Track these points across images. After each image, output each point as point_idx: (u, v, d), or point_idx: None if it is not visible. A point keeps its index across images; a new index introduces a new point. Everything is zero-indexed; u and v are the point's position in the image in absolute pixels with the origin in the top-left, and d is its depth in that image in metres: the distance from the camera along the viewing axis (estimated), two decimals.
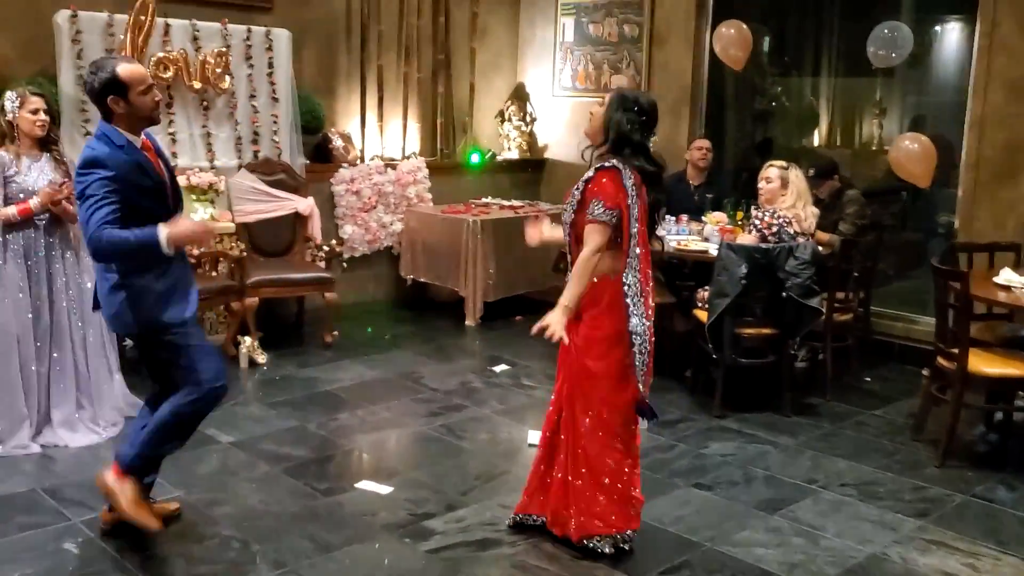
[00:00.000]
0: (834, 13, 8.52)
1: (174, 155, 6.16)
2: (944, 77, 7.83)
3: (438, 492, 4.22)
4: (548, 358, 6.15)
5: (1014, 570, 3.69)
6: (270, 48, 6.54)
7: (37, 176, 4.50)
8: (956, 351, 4.63)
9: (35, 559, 3.54)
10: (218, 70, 6.25)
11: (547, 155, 8.53)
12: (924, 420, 5.03)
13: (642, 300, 3.56)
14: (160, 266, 3.48)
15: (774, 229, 5.22)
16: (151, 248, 3.35)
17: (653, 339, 3.62)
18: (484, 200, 7.93)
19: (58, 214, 4.54)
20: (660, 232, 6.00)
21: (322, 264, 6.77)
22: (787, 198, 5.36)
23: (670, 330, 6.08)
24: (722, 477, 4.47)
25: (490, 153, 8.35)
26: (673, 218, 6.32)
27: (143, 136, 3.56)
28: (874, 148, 8.51)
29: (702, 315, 5.41)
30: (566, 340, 3.53)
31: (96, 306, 3.67)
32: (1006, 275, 4.91)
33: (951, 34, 7.79)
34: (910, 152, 5.98)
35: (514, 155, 8.45)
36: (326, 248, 6.80)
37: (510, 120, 8.43)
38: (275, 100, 6.60)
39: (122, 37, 5.83)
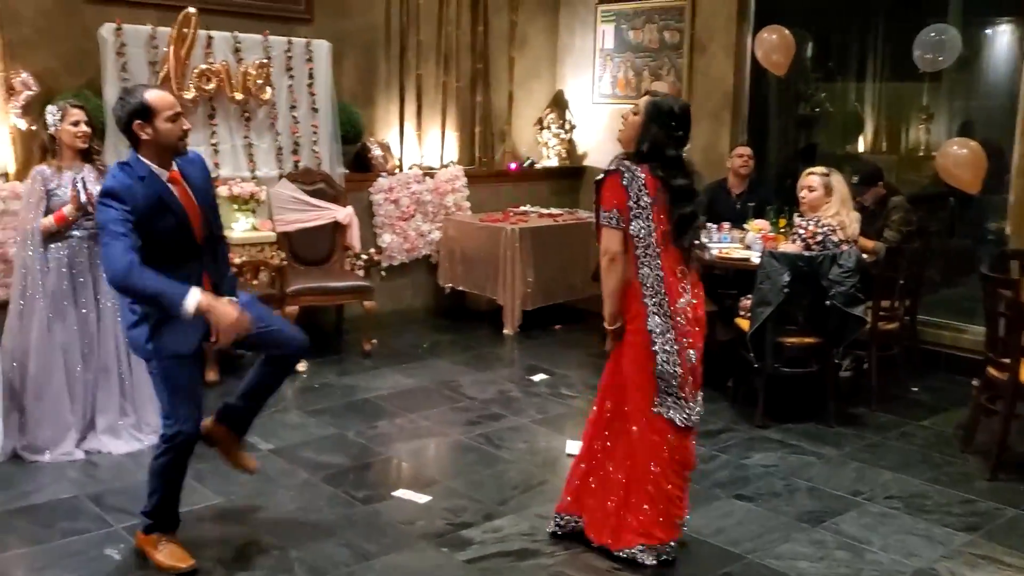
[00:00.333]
0: (879, 17, 8.42)
1: (216, 166, 6.22)
2: (993, 81, 7.68)
3: (476, 501, 4.19)
4: (587, 367, 6.14)
5: None
6: (310, 59, 6.58)
7: (83, 187, 4.55)
8: (1007, 361, 4.52)
9: (78, 565, 3.57)
10: (259, 81, 6.30)
11: (586, 163, 8.49)
12: (973, 432, 4.91)
13: (665, 298, 3.52)
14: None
15: (819, 238, 5.14)
16: (169, 306, 3.28)
17: (692, 340, 3.59)
18: (522, 208, 7.91)
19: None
20: (702, 239, 5.99)
21: (361, 273, 6.79)
22: (831, 205, 5.27)
23: (711, 339, 6.01)
24: (764, 488, 4.40)
25: (528, 161, 8.34)
26: (715, 226, 6.27)
27: (174, 167, 3.50)
28: (921, 154, 8.37)
29: (744, 324, 5.34)
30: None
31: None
32: None
33: (1001, 36, 7.66)
34: (958, 157, 5.87)
35: (553, 163, 8.43)
36: (365, 257, 6.82)
37: (549, 128, 8.41)
38: (315, 110, 6.64)
39: (165, 49, 5.89)
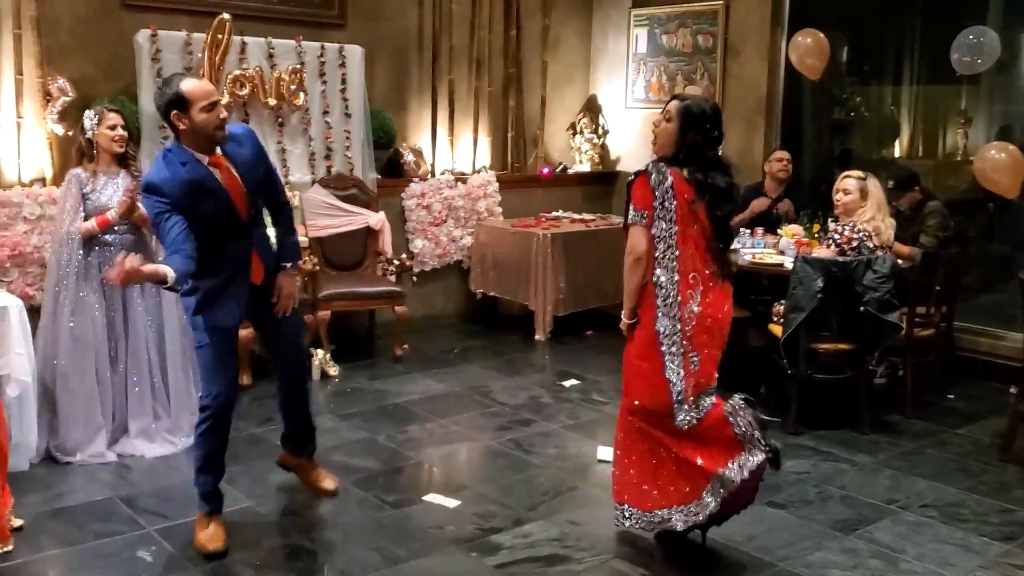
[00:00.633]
0: (915, 19, 8.32)
1: None
2: None
3: (506, 507, 4.19)
4: (618, 373, 6.03)
5: None
6: (343, 64, 6.62)
7: (112, 193, 4.61)
8: None
9: (110, 566, 3.61)
10: (292, 87, 6.34)
11: (619, 168, 8.46)
12: (1012, 440, 4.84)
13: (677, 302, 3.54)
14: (216, 276, 3.62)
15: (854, 244, 5.09)
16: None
17: (697, 345, 3.57)
18: (555, 214, 7.90)
19: (137, 222, 4.64)
20: (735, 244, 5.96)
21: (393, 278, 6.82)
22: (867, 210, 5.22)
23: (744, 345, 5.97)
24: (796, 495, 4.36)
25: (561, 166, 8.33)
26: (748, 231, 6.22)
27: (217, 153, 3.59)
28: (958, 158, 8.26)
29: (777, 330, 5.29)
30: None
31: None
32: None
33: None
34: (997, 162, 5.78)
35: (585, 168, 8.41)
36: (397, 262, 6.84)
37: (582, 133, 8.39)
38: (348, 116, 6.68)
39: (200, 55, 5.95)
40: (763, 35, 7.34)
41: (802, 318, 5.02)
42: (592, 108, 8.52)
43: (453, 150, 7.67)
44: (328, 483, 4.23)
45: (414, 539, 3.88)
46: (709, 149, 3.58)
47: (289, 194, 6.16)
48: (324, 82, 6.56)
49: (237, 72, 6.11)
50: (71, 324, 4.55)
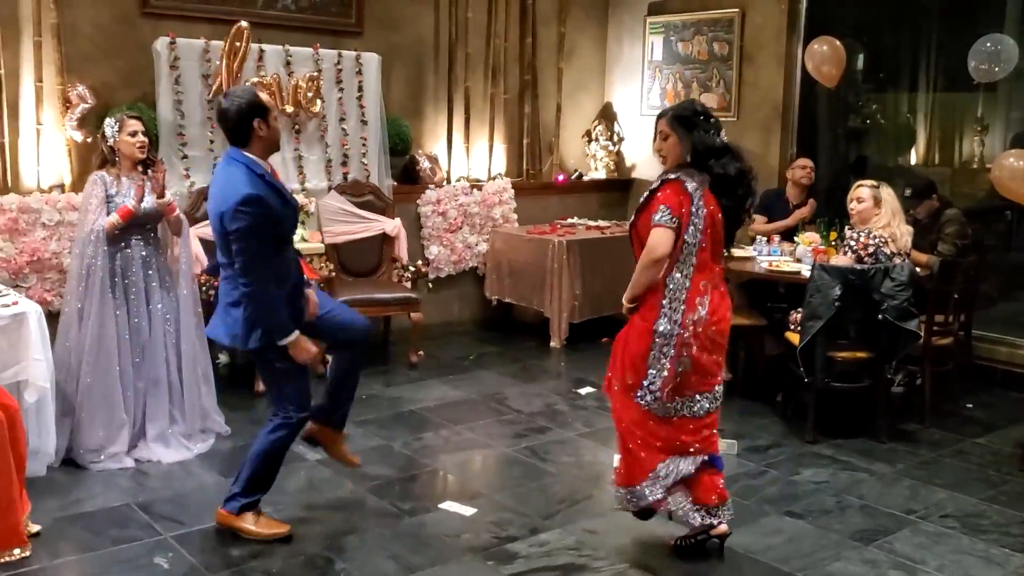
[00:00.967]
0: (931, 26, 8.29)
1: None
2: None
3: (522, 515, 4.17)
4: None
5: None
6: (360, 72, 6.64)
7: (127, 197, 4.62)
8: None
9: (127, 573, 3.61)
10: (309, 94, 6.36)
11: (634, 175, 8.46)
12: None
13: (682, 306, 3.58)
14: (285, 284, 3.71)
15: (871, 250, 5.07)
16: (276, 335, 3.64)
17: (692, 350, 3.60)
18: (570, 220, 7.89)
19: (163, 210, 4.67)
20: (752, 251, 5.96)
21: (408, 284, 6.82)
22: (881, 217, 5.21)
23: (760, 353, 5.95)
24: (814, 505, 4.33)
25: (576, 173, 8.33)
26: (764, 238, 6.21)
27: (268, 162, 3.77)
28: (975, 166, 8.23)
29: (794, 338, 5.27)
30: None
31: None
32: None
33: None
34: (1015, 170, 5.74)
35: (601, 175, 8.40)
36: (412, 268, 6.85)
37: (597, 140, 8.39)
38: (364, 123, 6.70)
39: (218, 63, 5.98)
40: (779, 43, 7.33)
41: (819, 326, 4.99)
42: (607, 115, 8.52)
43: (469, 157, 7.68)
44: (355, 458, 4.34)
45: (430, 547, 3.87)
46: (716, 139, 3.63)
47: (305, 200, 6.26)
48: (341, 89, 6.58)
49: (255, 79, 6.12)
50: (94, 326, 4.55)
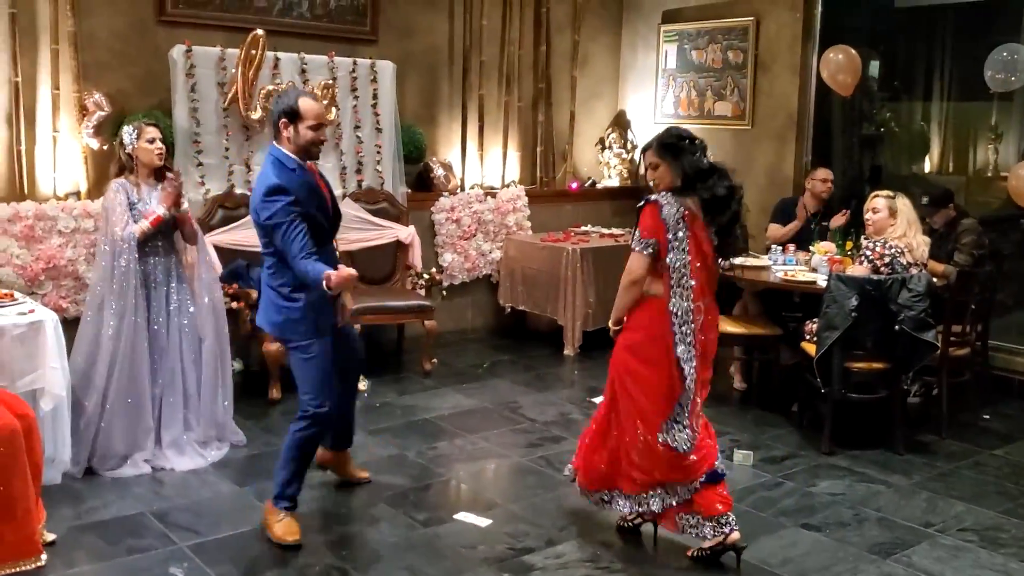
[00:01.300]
0: (946, 36, 8.26)
1: None
2: None
3: (537, 526, 4.16)
4: None
5: None
6: (375, 80, 6.65)
7: (156, 204, 4.63)
8: None
9: None
10: (324, 102, 6.36)
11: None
12: None
13: (692, 328, 3.71)
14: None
15: (887, 260, 5.04)
16: (316, 284, 3.68)
17: (700, 369, 3.76)
18: (584, 228, 7.88)
19: (180, 218, 4.67)
20: (767, 261, 5.94)
21: (422, 292, 6.81)
22: (897, 227, 5.19)
23: (776, 363, 5.92)
24: (831, 517, 4.30)
25: (590, 181, 8.32)
26: (780, 247, 6.18)
27: (310, 162, 3.92)
28: (989, 175, 8.19)
29: (810, 348, 5.24)
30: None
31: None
32: None
33: None
34: None
35: (614, 182, 8.39)
36: (426, 276, 6.84)
37: (610, 148, 8.38)
38: (379, 130, 6.70)
39: (233, 70, 5.99)
40: (794, 51, 7.30)
41: (836, 336, 4.97)
42: (621, 123, 8.51)
43: (483, 164, 7.68)
44: (363, 473, 4.52)
45: (445, 558, 3.86)
46: (703, 161, 3.73)
47: None
48: (356, 97, 6.58)
49: (270, 87, 6.13)
50: (124, 333, 4.55)
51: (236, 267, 5.82)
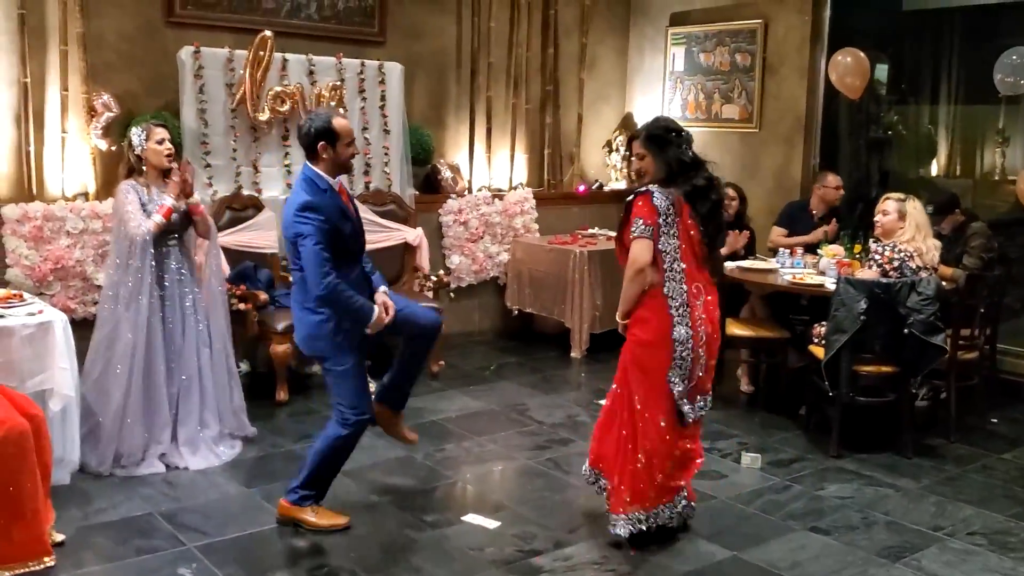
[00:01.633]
0: (954, 39, 8.25)
1: (288, 186, 6.31)
2: None
3: (545, 528, 4.15)
4: None
5: None
6: (383, 81, 6.65)
7: (164, 197, 4.64)
8: None
9: None
10: (332, 103, 6.37)
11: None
12: None
13: (688, 310, 3.80)
14: None
15: (895, 263, 5.03)
16: (362, 318, 3.90)
17: (703, 346, 3.85)
18: (591, 231, 7.88)
19: (192, 209, 4.69)
20: (775, 264, 5.93)
21: (430, 294, 6.80)
22: (906, 231, 5.17)
23: (783, 366, 5.92)
24: (840, 521, 4.29)
25: (597, 183, 8.32)
26: (788, 251, 6.17)
27: (338, 180, 4.02)
28: (996, 178, 8.17)
29: (818, 351, 5.23)
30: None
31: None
32: None
33: None
34: None
35: (621, 185, 8.38)
36: (434, 278, 6.83)
37: (617, 150, 8.38)
38: (387, 132, 6.71)
39: (242, 72, 5.99)
40: (802, 54, 7.29)
41: (844, 340, 4.96)
42: (628, 126, 8.50)
43: (490, 167, 7.68)
44: (412, 434, 4.53)
45: (454, 560, 3.85)
46: (688, 153, 3.82)
47: None
48: (364, 99, 6.59)
49: (278, 88, 6.14)
50: (133, 332, 4.56)
51: (244, 268, 5.83)
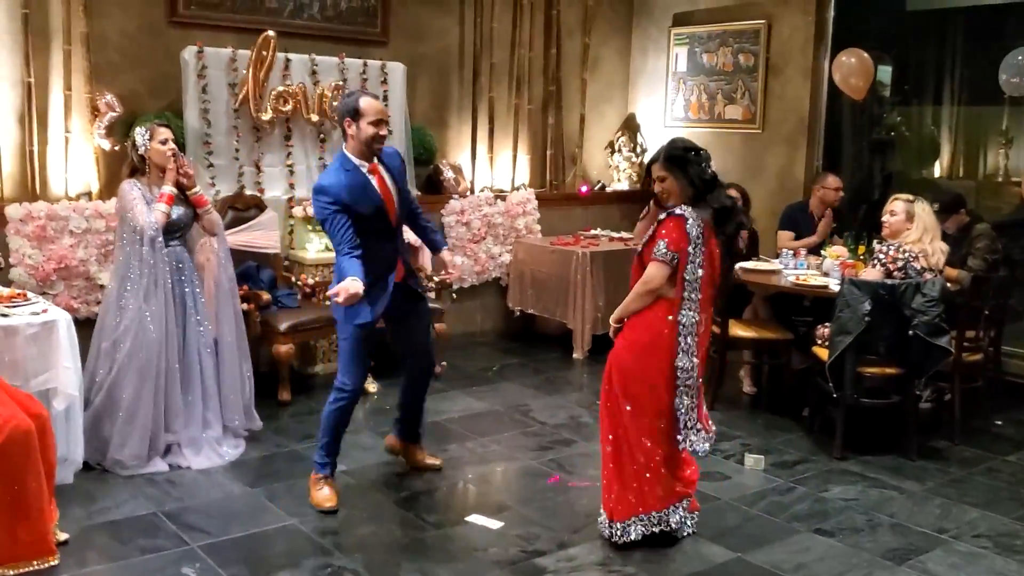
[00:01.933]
0: (958, 39, 8.25)
1: (291, 186, 6.32)
2: None
3: (549, 529, 4.14)
4: None
5: None
6: (385, 81, 6.65)
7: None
8: None
9: None
10: (335, 103, 6.36)
11: None
12: None
13: (695, 341, 3.80)
14: (366, 273, 4.01)
15: (899, 263, 5.02)
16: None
17: (701, 380, 3.89)
18: (593, 232, 7.87)
19: (196, 200, 4.74)
20: (778, 265, 5.92)
21: (432, 295, 6.79)
22: (912, 232, 5.16)
23: (786, 367, 5.90)
24: (845, 523, 4.28)
25: (599, 184, 8.31)
26: (791, 252, 6.17)
27: (374, 161, 4.20)
28: (999, 179, 8.16)
29: (822, 352, 5.22)
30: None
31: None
32: None
33: None
34: None
35: (624, 186, 8.38)
36: (436, 279, 6.82)
37: (620, 151, 8.37)
38: (389, 132, 6.67)
39: (244, 72, 5.99)
40: (806, 54, 7.29)
41: (849, 341, 4.95)
42: (630, 127, 8.50)
43: (492, 167, 7.68)
44: (433, 460, 4.78)
45: (458, 560, 3.84)
46: (708, 171, 3.81)
47: None
48: None
49: (281, 88, 6.14)
50: (136, 329, 4.55)
51: (246, 268, 5.82)
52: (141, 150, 4.61)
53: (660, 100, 8.34)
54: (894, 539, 4.13)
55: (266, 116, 6.10)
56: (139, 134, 4.62)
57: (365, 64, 6.57)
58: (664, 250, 3.74)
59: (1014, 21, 7.26)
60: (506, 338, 7.63)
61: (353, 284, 3.86)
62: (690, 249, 3.73)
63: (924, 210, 5.17)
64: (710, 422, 3.98)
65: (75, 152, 5.77)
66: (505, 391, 6.22)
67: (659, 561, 3.87)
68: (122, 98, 5.81)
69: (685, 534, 4.03)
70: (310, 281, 6.17)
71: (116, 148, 5.72)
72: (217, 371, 4.85)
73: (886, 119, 8.64)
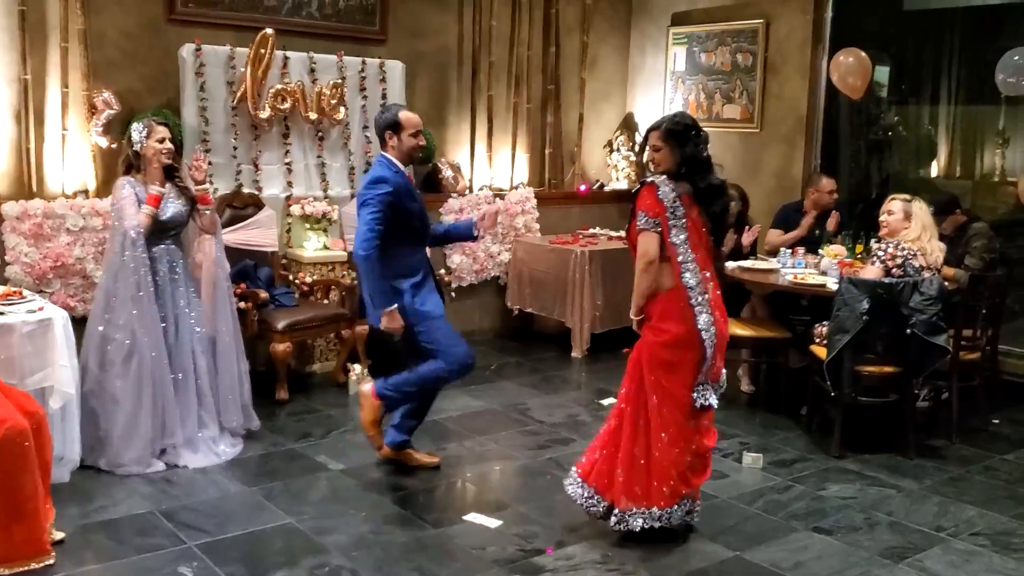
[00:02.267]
0: (955, 39, 8.25)
1: (289, 184, 6.31)
2: None
3: (547, 528, 4.14)
4: None
5: None
6: (384, 79, 6.64)
7: (164, 204, 4.62)
8: None
9: None
10: (333, 101, 6.36)
11: None
12: None
13: (707, 297, 3.82)
14: (414, 275, 4.38)
15: (898, 261, 5.02)
16: (375, 303, 4.30)
17: (722, 332, 3.89)
18: (592, 231, 7.87)
19: (199, 198, 4.72)
20: (776, 264, 5.92)
21: None
22: (911, 231, 5.16)
23: (784, 365, 5.90)
24: (843, 521, 4.28)
25: (598, 183, 8.31)
26: (789, 250, 6.16)
27: (409, 169, 4.43)
28: (996, 179, 8.17)
29: (819, 351, 5.22)
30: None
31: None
32: None
33: None
34: None
35: (622, 185, 8.37)
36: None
37: (618, 150, 8.37)
38: None
39: (243, 70, 5.98)
40: (804, 54, 7.28)
41: (847, 340, 4.94)
42: (629, 126, 8.50)
43: (491, 166, 7.67)
44: (430, 458, 4.81)
45: (455, 559, 3.84)
46: (703, 152, 3.83)
47: (328, 208, 6.25)
48: (365, 97, 6.57)
49: (279, 86, 6.13)
50: (128, 330, 4.54)
51: (244, 267, 5.82)
52: (137, 147, 4.59)
53: (658, 99, 8.34)
54: (892, 537, 4.13)
55: (264, 114, 6.09)
56: (136, 131, 4.61)
57: (364, 62, 6.57)
58: (645, 218, 3.79)
59: (1011, 21, 7.26)
60: (504, 337, 7.62)
61: (397, 321, 4.28)
62: (668, 215, 3.77)
63: (922, 209, 5.17)
64: (723, 373, 4.01)
65: (72, 150, 5.76)
66: (503, 390, 6.21)
67: (657, 559, 3.87)
68: (120, 96, 5.80)
69: (693, 521, 4.07)
70: (308, 280, 6.16)
71: (113, 146, 5.71)
72: (213, 371, 4.83)
73: (884, 119, 8.64)
